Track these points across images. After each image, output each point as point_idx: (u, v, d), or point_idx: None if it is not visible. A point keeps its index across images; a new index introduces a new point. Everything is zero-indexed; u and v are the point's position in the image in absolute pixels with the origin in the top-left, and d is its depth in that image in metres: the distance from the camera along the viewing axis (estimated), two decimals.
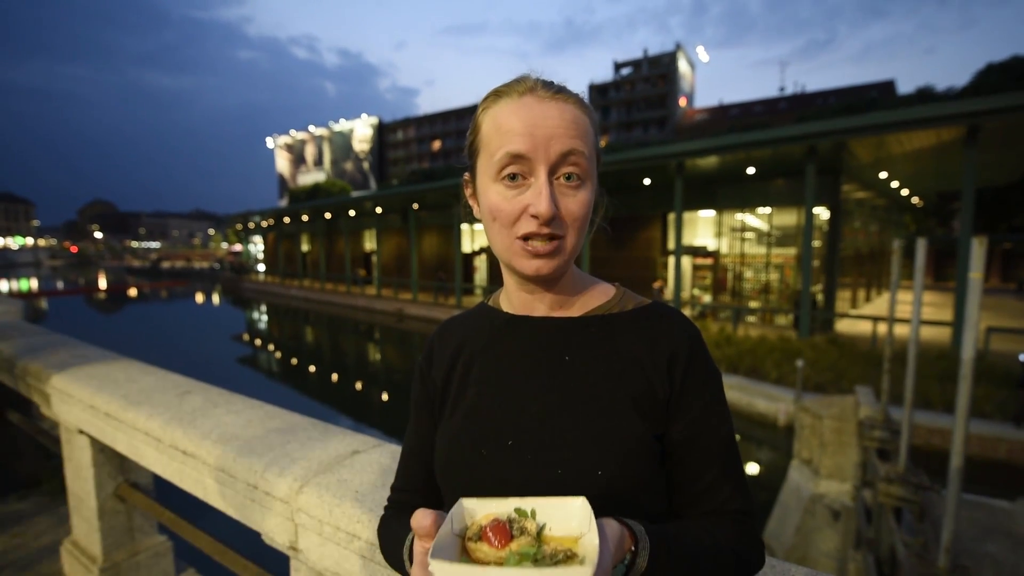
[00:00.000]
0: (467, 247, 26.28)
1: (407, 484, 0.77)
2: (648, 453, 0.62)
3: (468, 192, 0.71)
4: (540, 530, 0.49)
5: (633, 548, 0.51)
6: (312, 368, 17.15)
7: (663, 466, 0.64)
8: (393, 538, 0.70)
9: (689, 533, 0.58)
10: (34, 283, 49.56)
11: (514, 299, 0.72)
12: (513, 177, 0.60)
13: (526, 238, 0.62)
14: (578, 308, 0.71)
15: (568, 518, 0.49)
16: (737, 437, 0.68)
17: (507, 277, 0.72)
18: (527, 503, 0.51)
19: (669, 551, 0.53)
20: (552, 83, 0.63)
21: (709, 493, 0.63)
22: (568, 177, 0.61)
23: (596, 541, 0.44)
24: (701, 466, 0.63)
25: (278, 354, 19.22)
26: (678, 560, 0.54)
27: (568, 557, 0.45)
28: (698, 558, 0.56)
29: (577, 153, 0.60)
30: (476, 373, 0.70)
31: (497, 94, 0.63)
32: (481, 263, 26.54)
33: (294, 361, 18.08)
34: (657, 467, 0.63)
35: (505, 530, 0.47)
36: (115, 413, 1.76)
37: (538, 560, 0.44)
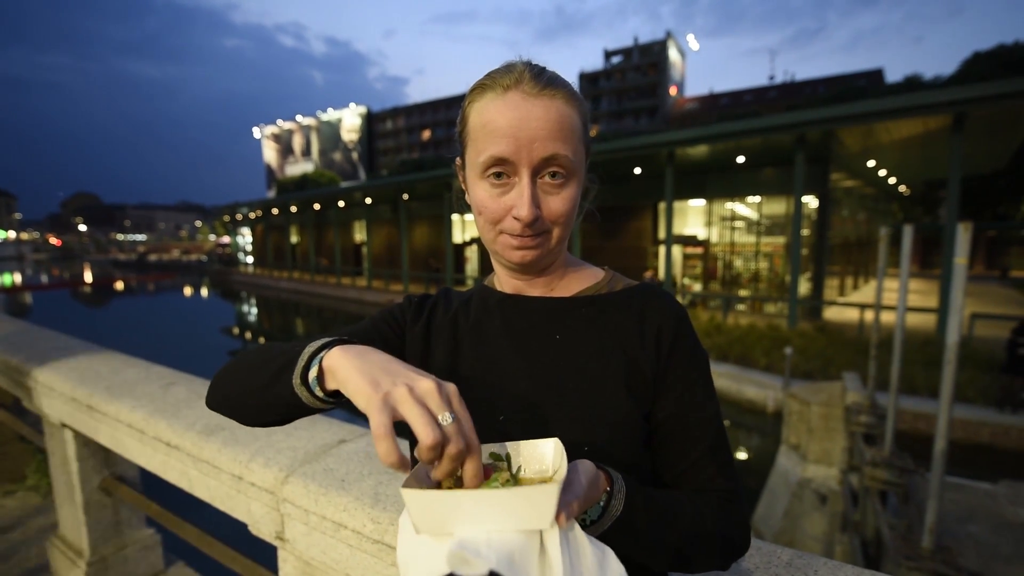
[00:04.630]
0: (458, 237, 26.20)
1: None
2: (634, 430, 0.62)
3: (460, 177, 0.71)
4: (516, 473, 0.50)
5: (608, 489, 0.52)
6: None
7: (649, 447, 0.65)
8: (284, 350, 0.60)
9: (670, 495, 0.59)
10: (17, 277, 48.77)
11: (505, 284, 0.74)
12: (498, 176, 0.61)
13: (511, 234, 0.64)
14: (568, 290, 0.72)
15: (542, 459, 0.50)
16: (727, 423, 0.68)
17: (496, 264, 0.73)
18: (502, 448, 0.51)
19: (647, 502, 0.54)
20: (541, 73, 0.61)
21: (694, 471, 0.63)
22: (553, 175, 0.61)
23: (567, 472, 0.45)
24: (686, 444, 0.64)
25: None
26: (656, 514, 0.54)
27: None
28: (678, 518, 0.56)
29: (560, 157, 0.60)
30: (467, 347, 0.70)
31: (483, 86, 0.63)
32: (472, 253, 26.47)
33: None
34: (643, 446, 0.63)
35: (487, 471, 0.47)
36: (98, 406, 1.74)
37: (506, 484, 0.45)
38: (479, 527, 0.41)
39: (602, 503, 0.51)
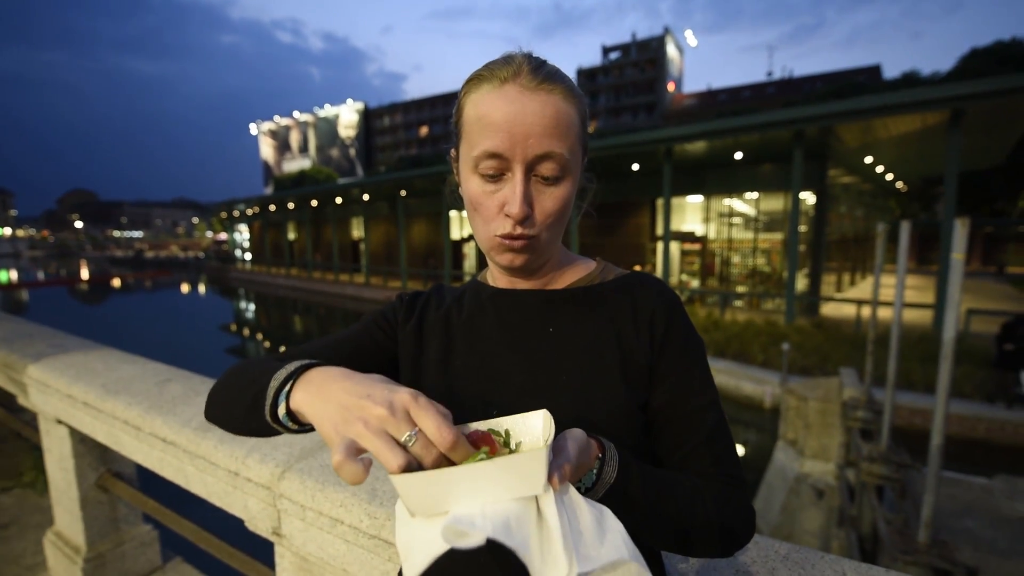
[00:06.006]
0: (456, 234, 26.16)
1: (312, 356, 0.67)
2: (631, 420, 0.62)
3: (455, 169, 0.70)
4: (516, 448, 0.50)
5: (601, 456, 0.52)
6: None
7: (647, 436, 0.65)
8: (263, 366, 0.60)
9: (667, 471, 0.59)
10: (14, 274, 48.61)
11: (499, 279, 0.74)
12: (491, 170, 0.60)
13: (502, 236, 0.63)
14: (561, 283, 0.72)
15: (533, 431, 0.50)
16: None
17: (490, 261, 0.72)
18: (499, 424, 0.51)
19: (642, 472, 0.54)
20: (539, 67, 0.60)
21: (692, 459, 0.62)
22: (547, 172, 0.60)
23: (556, 439, 0.46)
24: (683, 432, 0.63)
25: (267, 343, 19.09)
26: (651, 485, 0.54)
27: None
28: (674, 492, 0.56)
29: (555, 155, 0.59)
30: (460, 343, 0.70)
31: (480, 77, 0.61)
32: (470, 250, 26.46)
33: (283, 349, 17.91)
34: (641, 436, 0.63)
35: (487, 438, 0.47)
36: (93, 402, 1.73)
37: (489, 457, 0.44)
38: (473, 501, 0.41)
39: (595, 470, 0.51)
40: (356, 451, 0.43)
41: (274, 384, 0.55)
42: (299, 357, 0.64)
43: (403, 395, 0.45)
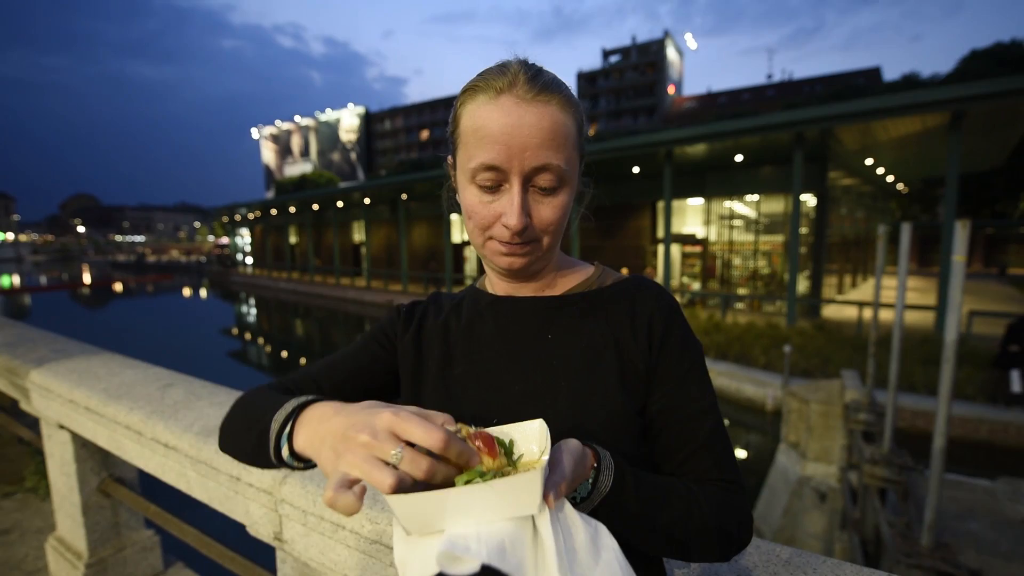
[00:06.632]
0: (457, 237, 26.19)
1: (315, 379, 0.70)
2: (629, 425, 0.62)
3: (452, 177, 0.70)
4: (516, 460, 0.49)
5: (596, 465, 0.52)
6: (303, 360, 17.06)
7: (645, 441, 0.65)
8: (266, 399, 0.62)
9: (663, 478, 0.59)
10: (16, 279, 48.72)
11: (497, 286, 0.73)
12: (488, 182, 0.60)
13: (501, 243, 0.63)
14: (559, 289, 0.72)
15: (528, 442, 0.50)
16: (726, 422, 0.67)
17: (487, 267, 0.72)
18: (504, 433, 0.51)
19: (637, 480, 0.54)
20: (535, 77, 0.59)
21: (691, 463, 0.62)
22: (544, 184, 0.60)
23: (551, 453, 0.45)
24: (682, 437, 0.63)
25: (268, 347, 19.10)
26: (647, 492, 0.54)
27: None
28: (670, 500, 0.56)
29: (552, 167, 0.59)
30: (460, 352, 0.70)
31: (475, 88, 0.60)
32: (471, 253, 26.46)
33: (284, 354, 17.97)
34: (639, 441, 0.63)
35: (488, 440, 0.46)
36: (95, 407, 1.73)
37: (484, 476, 0.44)
38: (468, 521, 0.41)
39: (591, 480, 0.51)
40: (348, 483, 0.43)
41: (275, 427, 0.56)
42: (300, 385, 0.66)
43: (383, 415, 0.45)
